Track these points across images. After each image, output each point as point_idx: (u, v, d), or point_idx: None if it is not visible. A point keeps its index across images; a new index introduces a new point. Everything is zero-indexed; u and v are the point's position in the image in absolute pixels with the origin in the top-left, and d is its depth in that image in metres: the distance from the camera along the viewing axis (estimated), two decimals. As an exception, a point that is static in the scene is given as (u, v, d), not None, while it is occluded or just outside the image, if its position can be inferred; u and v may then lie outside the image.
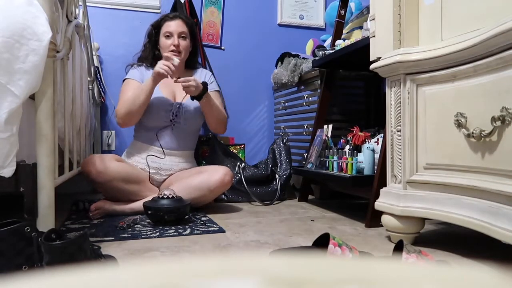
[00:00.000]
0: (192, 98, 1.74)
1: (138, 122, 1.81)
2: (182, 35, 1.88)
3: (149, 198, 1.61)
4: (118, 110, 1.77)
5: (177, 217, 1.49)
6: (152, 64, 1.88)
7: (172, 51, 1.83)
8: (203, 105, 1.78)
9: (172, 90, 1.87)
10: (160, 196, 1.53)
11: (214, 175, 1.71)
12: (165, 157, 1.81)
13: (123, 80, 1.89)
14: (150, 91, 1.72)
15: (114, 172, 1.61)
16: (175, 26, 1.87)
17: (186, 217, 1.55)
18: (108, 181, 1.60)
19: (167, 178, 1.85)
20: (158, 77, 1.69)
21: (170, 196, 1.52)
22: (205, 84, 1.74)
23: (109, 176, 1.59)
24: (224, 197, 2.04)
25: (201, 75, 1.98)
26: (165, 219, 1.46)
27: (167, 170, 1.84)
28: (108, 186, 1.62)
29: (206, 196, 1.73)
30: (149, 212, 1.47)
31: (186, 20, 1.93)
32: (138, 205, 1.64)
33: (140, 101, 1.72)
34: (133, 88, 1.78)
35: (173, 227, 1.41)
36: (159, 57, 1.88)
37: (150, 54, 1.94)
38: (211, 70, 2.65)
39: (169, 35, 1.87)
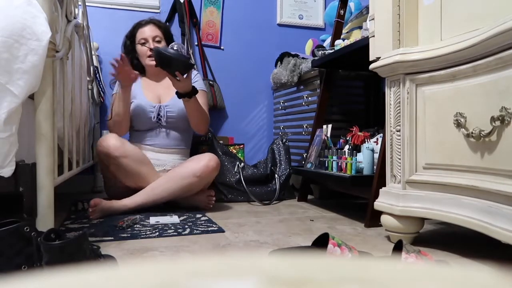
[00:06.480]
0: (179, 96, 1.73)
1: (130, 127, 1.90)
2: (157, 39, 1.92)
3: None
4: (108, 123, 1.86)
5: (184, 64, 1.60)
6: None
7: (149, 56, 1.88)
8: (187, 104, 1.78)
9: (157, 94, 1.94)
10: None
11: (199, 162, 1.72)
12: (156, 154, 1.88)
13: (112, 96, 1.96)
14: (125, 99, 1.78)
15: (130, 148, 1.71)
16: (148, 31, 1.92)
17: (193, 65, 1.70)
18: (124, 156, 1.66)
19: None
20: (124, 85, 1.74)
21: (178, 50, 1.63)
22: (195, 87, 1.75)
23: (125, 150, 1.67)
24: (223, 197, 2.04)
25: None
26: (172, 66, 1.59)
27: (161, 166, 1.88)
28: (122, 162, 1.67)
29: (194, 183, 1.71)
30: (159, 57, 1.60)
31: (159, 24, 1.97)
32: (132, 200, 1.67)
33: (120, 111, 1.79)
34: (116, 101, 1.84)
35: (172, 227, 1.41)
36: (138, 66, 1.95)
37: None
38: (210, 71, 2.66)
39: (144, 41, 1.92)
